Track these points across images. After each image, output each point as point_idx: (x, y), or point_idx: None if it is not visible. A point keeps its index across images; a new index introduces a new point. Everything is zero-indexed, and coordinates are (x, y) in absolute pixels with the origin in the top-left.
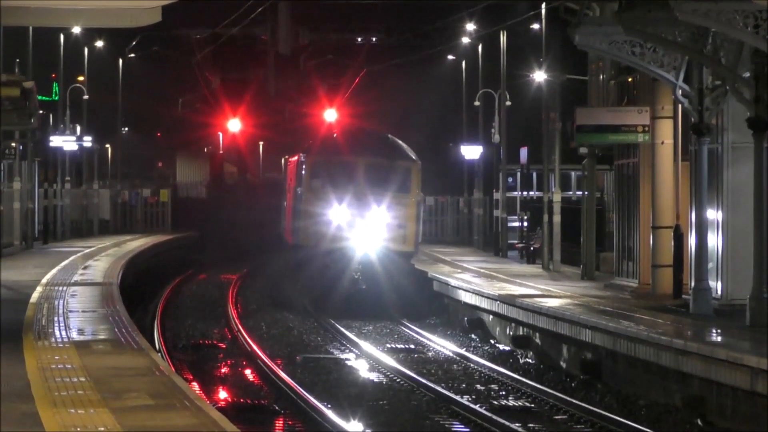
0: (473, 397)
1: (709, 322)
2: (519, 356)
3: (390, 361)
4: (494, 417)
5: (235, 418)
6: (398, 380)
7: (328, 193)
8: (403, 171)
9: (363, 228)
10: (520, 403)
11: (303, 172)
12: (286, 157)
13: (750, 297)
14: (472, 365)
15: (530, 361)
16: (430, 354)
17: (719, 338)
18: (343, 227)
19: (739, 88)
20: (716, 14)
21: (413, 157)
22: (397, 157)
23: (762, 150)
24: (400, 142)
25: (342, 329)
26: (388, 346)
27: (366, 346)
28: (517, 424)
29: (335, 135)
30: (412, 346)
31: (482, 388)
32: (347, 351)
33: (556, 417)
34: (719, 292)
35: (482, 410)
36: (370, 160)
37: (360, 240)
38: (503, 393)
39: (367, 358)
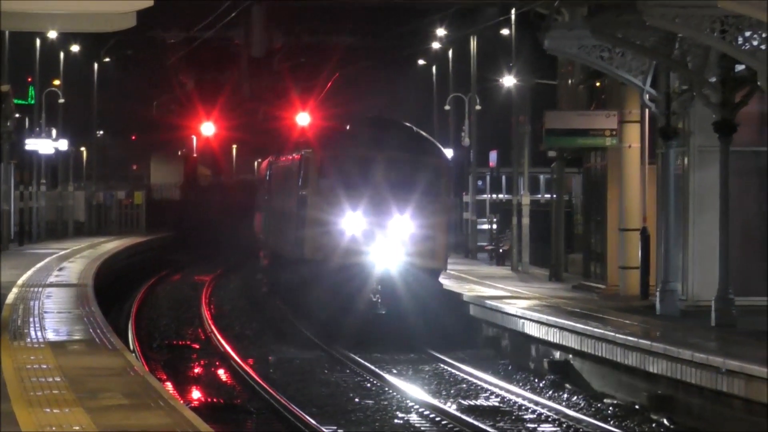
0: None
1: (676, 322)
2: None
3: None
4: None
5: (209, 417)
6: None
7: (340, 196)
8: (432, 170)
9: (383, 239)
10: None
11: (309, 170)
12: (259, 160)
13: (716, 298)
14: None
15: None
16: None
17: (685, 339)
18: (359, 238)
19: (706, 92)
20: (684, 19)
21: (443, 153)
22: (424, 153)
23: (728, 153)
24: (426, 134)
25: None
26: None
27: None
28: None
29: (348, 126)
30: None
31: None
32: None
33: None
34: (687, 293)
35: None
36: (392, 155)
37: (379, 254)
38: None
39: None
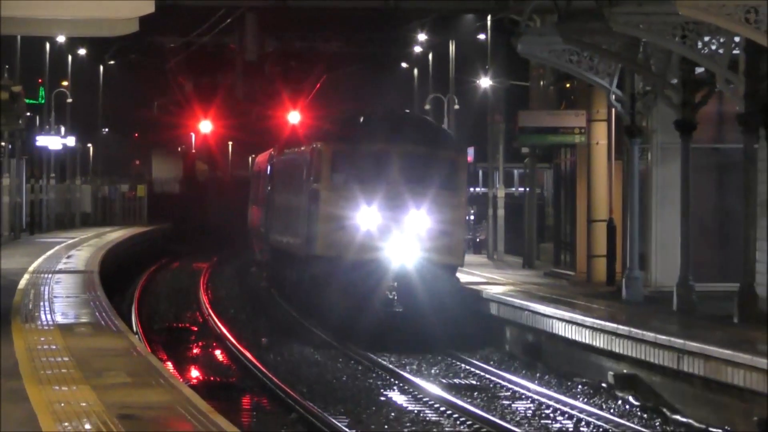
0: None
1: (640, 307)
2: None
3: None
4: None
5: (206, 394)
6: None
7: (353, 191)
8: (448, 163)
9: (398, 235)
10: None
11: (321, 164)
12: (253, 156)
13: (677, 284)
14: None
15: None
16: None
17: (648, 322)
18: (374, 234)
19: (668, 93)
20: (647, 26)
21: (459, 146)
22: (440, 146)
23: (688, 150)
24: (440, 126)
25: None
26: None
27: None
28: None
29: (361, 118)
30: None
31: None
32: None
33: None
34: (651, 280)
35: None
36: (407, 149)
37: (395, 250)
38: None
39: None
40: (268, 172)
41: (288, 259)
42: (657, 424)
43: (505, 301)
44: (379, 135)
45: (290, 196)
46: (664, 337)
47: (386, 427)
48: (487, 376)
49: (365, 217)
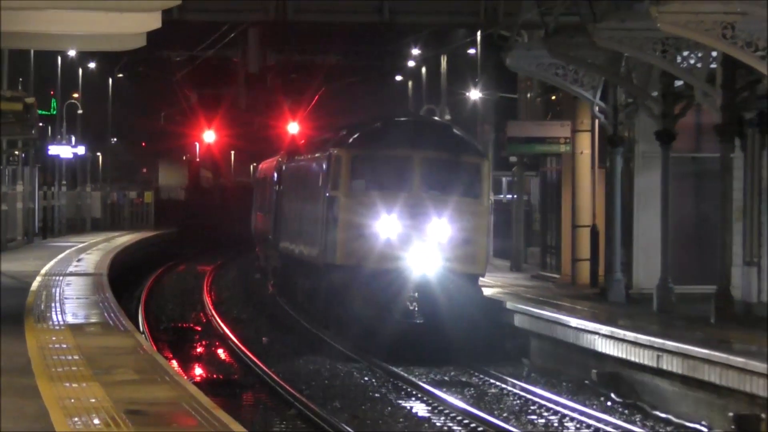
0: None
1: (622, 308)
2: None
3: None
4: None
5: (210, 391)
6: None
7: (373, 198)
8: (472, 169)
9: (419, 244)
10: None
11: (340, 170)
12: (255, 164)
13: (657, 286)
14: None
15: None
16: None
17: (629, 323)
18: (394, 242)
19: (649, 105)
20: (629, 41)
21: (482, 152)
22: (464, 151)
23: (668, 158)
24: (463, 132)
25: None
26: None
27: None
28: None
29: (381, 123)
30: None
31: None
32: None
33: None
34: (633, 282)
35: None
36: (429, 154)
37: (416, 259)
38: None
39: None
40: (276, 179)
41: (301, 268)
42: (637, 419)
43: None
44: (400, 140)
45: (304, 203)
46: (644, 336)
47: None
48: (477, 373)
49: (385, 225)
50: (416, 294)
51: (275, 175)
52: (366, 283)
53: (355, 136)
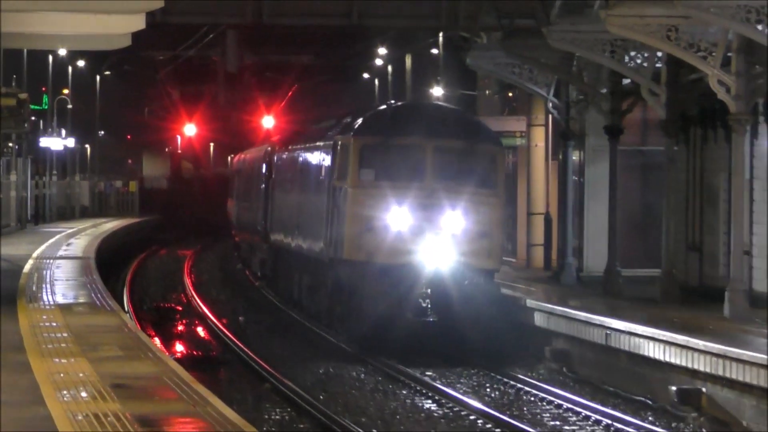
0: None
1: (573, 290)
2: None
3: None
4: None
5: (190, 366)
6: None
7: (383, 188)
8: (487, 158)
9: (432, 237)
10: None
11: (347, 160)
12: (231, 156)
13: (605, 270)
14: None
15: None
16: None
17: (580, 303)
18: (405, 236)
19: (598, 101)
20: (580, 42)
21: (498, 140)
22: (479, 139)
23: (616, 152)
24: (478, 119)
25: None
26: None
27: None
28: None
29: (392, 109)
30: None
31: None
32: None
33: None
34: (583, 266)
35: None
36: (442, 142)
37: (428, 254)
38: None
39: None
40: (265, 169)
41: (299, 262)
42: (587, 392)
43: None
44: (412, 127)
45: (303, 194)
46: (594, 316)
47: None
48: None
49: (396, 217)
50: (428, 291)
51: (264, 164)
52: (375, 279)
53: (364, 122)
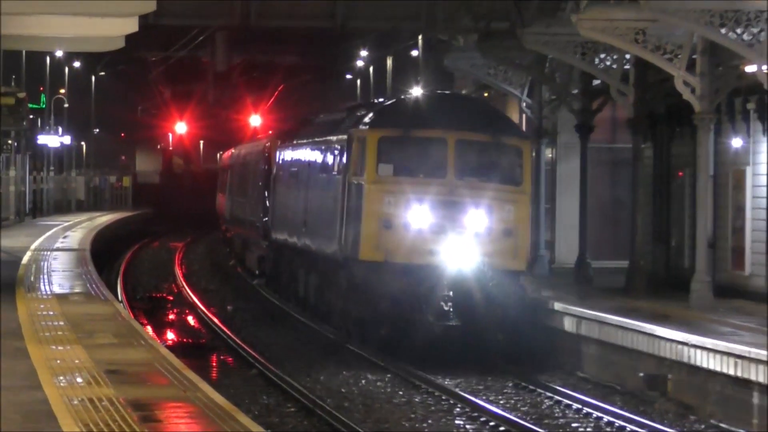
0: None
1: (546, 280)
2: None
3: None
4: None
5: (180, 353)
6: None
7: (403, 184)
8: (513, 153)
9: (454, 236)
10: None
11: (364, 154)
12: (221, 152)
13: (576, 262)
14: None
15: None
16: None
17: (552, 293)
18: (426, 235)
19: (570, 101)
20: (553, 44)
21: (524, 134)
22: (504, 132)
23: (586, 149)
24: (503, 112)
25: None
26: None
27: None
28: None
29: (412, 100)
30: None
31: None
32: None
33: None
34: (555, 258)
35: None
36: (465, 136)
37: (450, 254)
38: None
39: None
40: (264, 164)
41: (305, 261)
42: (558, 378)
43: None
44: (433, 119)
45: (311, 190)
46: (563, 305)
47: None
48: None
49: (416, 215)
50: (450, 293)
51: (262, 160)
52: (394, 281)
53: (381, 114)
